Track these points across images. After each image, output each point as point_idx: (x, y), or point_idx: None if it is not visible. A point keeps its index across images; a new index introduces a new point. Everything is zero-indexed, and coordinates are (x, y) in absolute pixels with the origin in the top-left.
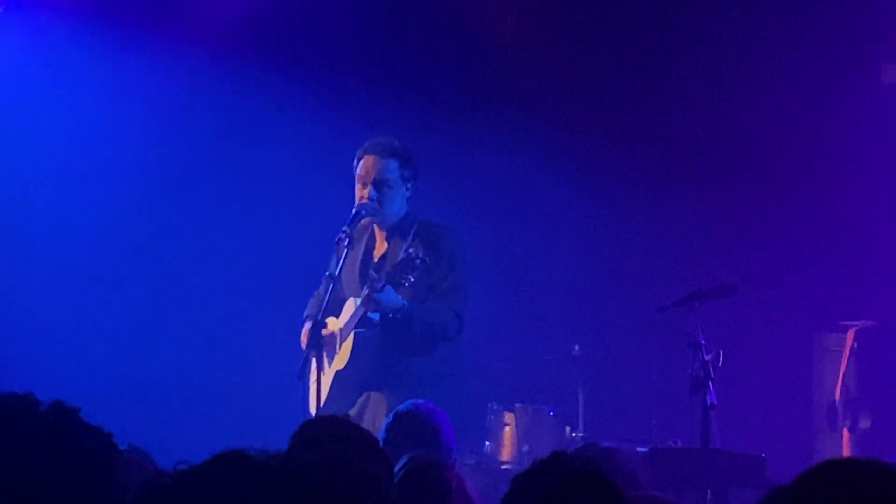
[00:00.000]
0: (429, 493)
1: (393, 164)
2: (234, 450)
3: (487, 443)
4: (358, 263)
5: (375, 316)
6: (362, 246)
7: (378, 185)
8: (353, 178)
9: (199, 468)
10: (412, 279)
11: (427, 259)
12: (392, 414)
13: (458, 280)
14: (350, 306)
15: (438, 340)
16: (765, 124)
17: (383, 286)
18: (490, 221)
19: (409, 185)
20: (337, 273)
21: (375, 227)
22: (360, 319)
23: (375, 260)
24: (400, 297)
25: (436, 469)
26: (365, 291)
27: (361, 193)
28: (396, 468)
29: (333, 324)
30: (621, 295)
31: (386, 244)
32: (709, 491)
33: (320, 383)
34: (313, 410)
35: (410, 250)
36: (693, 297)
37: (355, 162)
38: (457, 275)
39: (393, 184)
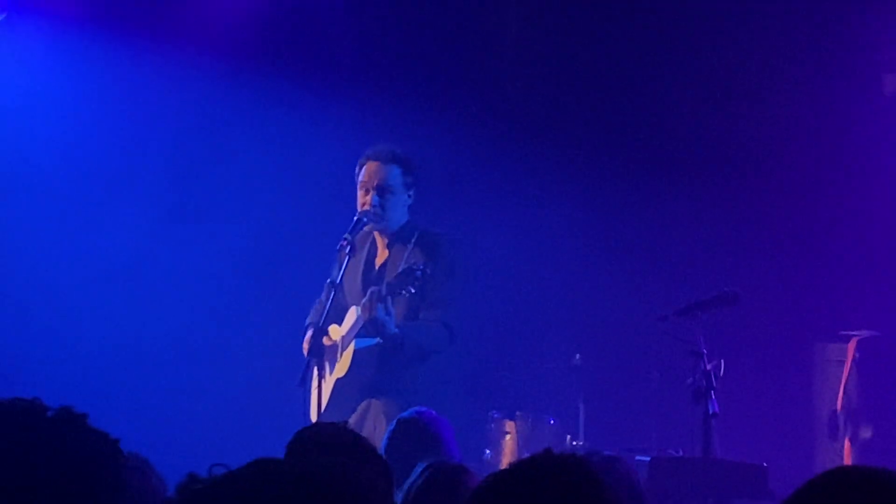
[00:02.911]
0: (452, 496)
1: (396, 170)
2: (271, 457)
3: (488, 451)
4: (360, 271)
5: (370, 341)
6: (364, 254)
7: (380, 191)
8: (355, 185)
9: (235, 473)
10: (412, 290)
11: (427, 270)
12: (395, 421)
13: (453, 290)
14: (352, 315)
15: (430, 355)
16: (767, 133)
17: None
18: (491, 230)
19: (410, 193)
20: (338, 280)
21: (377, 234)
22: (360, 329)
23: (377, 268)
24: (392, 325)
25: (460, 472)
26: (361, 313)
27: (364, 200)
28: (415, 474)
29: (336, 332)
30: (622, 304)
31: (387, 252)
32: (710, 500)
33: (321, 391)
34: (314, 418)
35: (412, 262)
36: (694, 306)
37: (357, 168)
38: (452, 285)
39: (395, 190)
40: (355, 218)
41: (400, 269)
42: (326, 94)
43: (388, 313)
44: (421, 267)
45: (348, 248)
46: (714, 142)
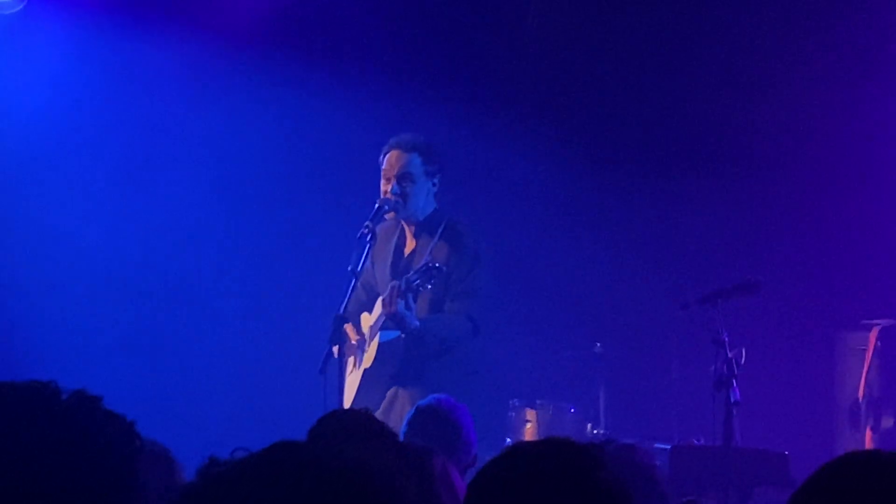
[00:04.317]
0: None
1: (416, 158)
2: (292, 440)
3: (508, 439)
4: (389, 260)
5: (393, 334)
6: (393, 242)
7: (400, 179)
8: (376, 174)
9: (256, 456)
10: (430, 286)
11: (444, 268)
12: (413, 409)
13: (476, 282)
14: (379, 305)
15: (453, 348)
16: (790, 122)
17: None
18: (512, 218)
19: (434, 181)
20: (359, 268)
21: (404, 223)
22: (383, 322)
23: (405, 256)
24: (412, 320)
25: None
26: (381, 308)
27: (385, 188)
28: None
29: (366, 320)
30: (644, 292)
31: (414, 242)
32: (731, 489)
33: (347, 381)
34: (347, 405)
35: (433, 257)
36: (716, 294)
37: (381, 157)
38: (475, 277)
39: (416, 178)
40: (376, 205)
41: (419, 266)
42: (346, 82)
43: (408, 308)
44: (437, 265)
45: (369, 235)
46: (737, 130)
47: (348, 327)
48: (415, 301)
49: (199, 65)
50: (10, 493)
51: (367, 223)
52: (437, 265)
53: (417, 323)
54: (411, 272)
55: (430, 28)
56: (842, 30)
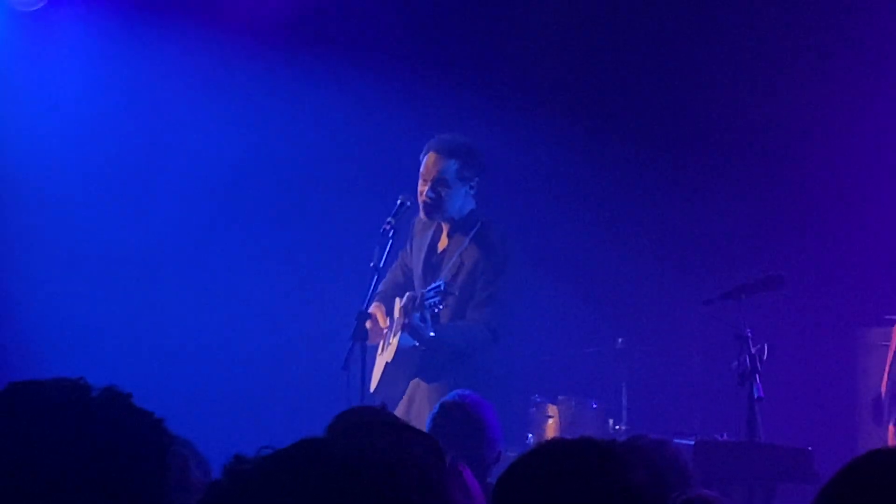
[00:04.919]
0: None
1: (453, 164)
2: (317, 437)
3: (530, 435)
4: (423, 253)
5: (411, 341)
6: (429, 235)
7: (435, 184)
8: (399, 170)
9: (282, 453)
10: (441, 308)
11: (456, 292)
12: (438, 405)
13: (499, 290)
14: (398, 307)
15: (471, 356)
16: (811, 117)
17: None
18: (534, 214)
19: (472, 184)
20: (381, 264)
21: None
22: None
23: (437, 253)
24: (427, 331)
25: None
26: (397, 317)
27: (421, 189)
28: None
29: (398, 306)
30: (666, 287)
31: (447, 240)
32: (755, 484)
33: (377, 361)
34: (374, 386)
35: (456, 263)
36: (739, 290)
37: (421, 156)
38: (499, 284)
39: (451, 184)
40: (398, 201)
41: (433, 286)
42: (368, 77)
43: (423, 320)
44: (450, 289)
45: (391, 231)
46: (758, 126)
47: (378, 313)
48: (432, 317)
49: (222, 60)
50: (43, 490)
51: (389, 219)
52: (449, 289)
53: (432, 334)
54: (427, 289)
55: (450, 20)
56: (880, 17)
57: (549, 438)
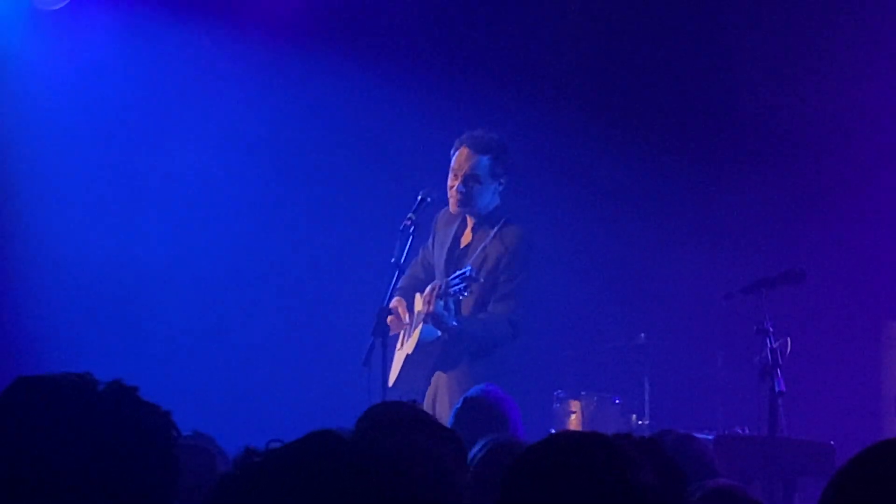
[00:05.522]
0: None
1: (485, 160)
2: (326, 430)
3: (553, 430)
4: (447, 246)
5: (433, 333)
6: (453, 229)
7: (467, 179)
8: (422, 167)
9: (292, 446)
10: (466, 294)
11: (481, 279)
12: (461, 399)
13: (521, 285)
14: (419, 300)
15: (490, 350)
16: (834, 112)
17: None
18: (556, 209)
19: (502, 180)
20: (402, 260)
21: (466, 215)
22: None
23: (461, 247)
24: (451, 320)
25: (515, 446)
26: (420, 307)
27: (451, 183)
28: (473, 451)
29: (419, 301)
30: (688, 282)
31: (472, 235)
32: (777, 479)
33: (395, 356)
34: (393, 378)
35: (479, 255)
36: (761, 284)
37: (452, 151)
38: (521, 280)
39: (482, 180)
40: (419, 197)
41: (459, 272)
42: (388, 73)
43: (446, 308)
44: (476, 275)
45: (412, 227)
46: (780, 120)
47: (399, 307)
48: (455, 304)
49: (246, 57)
50: (52, 482)
51: (409, 215)
52: (475, 275)
53: (455, 323)
54: (452, 276)
55: (468, 16)
56: None
57: (561, 431)
